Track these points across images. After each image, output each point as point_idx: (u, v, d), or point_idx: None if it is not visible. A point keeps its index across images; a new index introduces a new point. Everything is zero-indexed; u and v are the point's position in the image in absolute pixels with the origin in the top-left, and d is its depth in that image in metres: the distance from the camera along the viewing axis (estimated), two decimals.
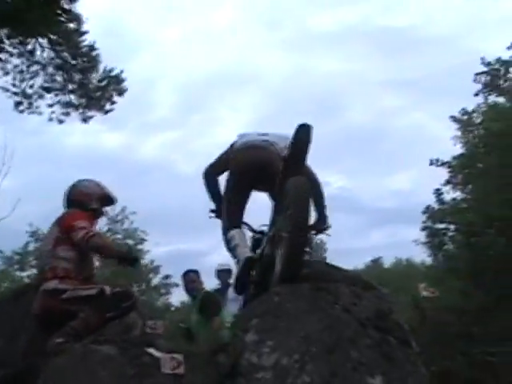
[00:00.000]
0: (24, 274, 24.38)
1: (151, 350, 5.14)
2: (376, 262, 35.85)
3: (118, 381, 4.82)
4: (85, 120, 11.76)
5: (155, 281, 28.73)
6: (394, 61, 57.71)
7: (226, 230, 6.22)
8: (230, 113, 52.35)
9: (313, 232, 6.36)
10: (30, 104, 11.50)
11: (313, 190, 5.75)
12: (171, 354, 5.02)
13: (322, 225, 6.35)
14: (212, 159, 6.68)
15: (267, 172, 5.95)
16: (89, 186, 6.45)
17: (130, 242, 27.24)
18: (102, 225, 26.28)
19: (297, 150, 5.58)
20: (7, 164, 21.58)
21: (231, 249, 6.05)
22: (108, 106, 11.72)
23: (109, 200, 6.58)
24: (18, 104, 11.46)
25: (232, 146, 6.48)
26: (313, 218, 6.12)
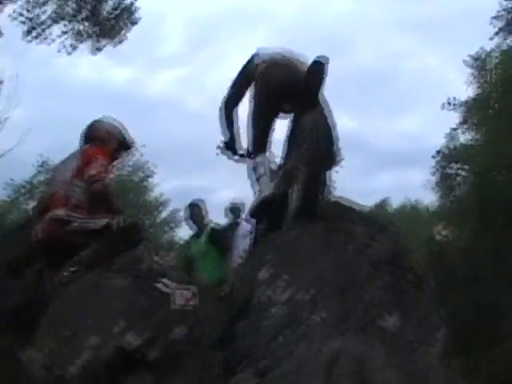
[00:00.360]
0: (32, 205, 24.40)
1: (165, 281, 5.17)
2: (382, 204, 35.70)
3: (132, 311, 4.87)
4: (98, 49, 11.54)
5: (163, 215, 28.73)
6: (405, 1, 56.44)
7: (252, 151, 5.99)
8: (238, 50, 51.59)
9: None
10: (42, 31, 11.23)
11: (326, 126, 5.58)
12: (185, 286, 5.05)
13: (333, 159, 6.17)
14: (227, 89, 6.31)
15: (299, 89, 5.62)
16: (113, 125, 6.43)
17: (139, 174, 27.24)
18: None
19: (312, 85, 5.49)
20: (17, 95, 21.64)
21: (256, 176, 5.84)
22: (120, 37, 11.48)
23: (126, 145, 6.55)
24: (28, 32, 11.17)
25: (249, 62, 6.16)
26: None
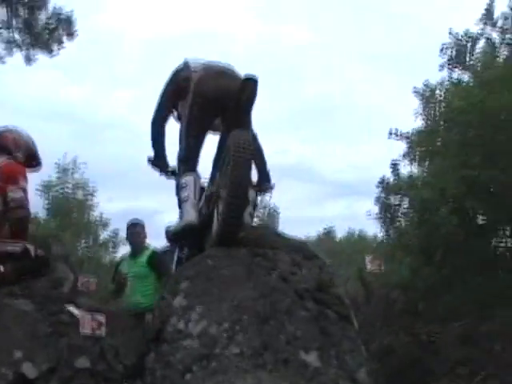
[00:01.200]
0: None
1: (71, 308, 4.77)
2: (328, 233, 35.74)
3: (31, 339, 4.45)
4: (29, 60, 11.10)
5: (103, 236, 28.15)
6: (360, 33, 57.29)
7: (180, 169, 5.69)
8: None
9: (256, 190, 5.73)
10: None
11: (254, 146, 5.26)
12: (92, 313, 4.64)
13: (264, 183, 5.85)
14: (156, 103, 5.98)
15: (231, 103, 5.34)
16: (23, 136, 5.86)
17: (81, 192, 26.69)
18: (51, 174, 25.73)
19: (242, 102, 5.23)
20: None
21: (181, 198, 5.51)
22: (56, 49, 11.06)
23: (34, 160, 5.94)
24: None
25: (179, 71, 5.88)
26: (255, 176, 5.66)
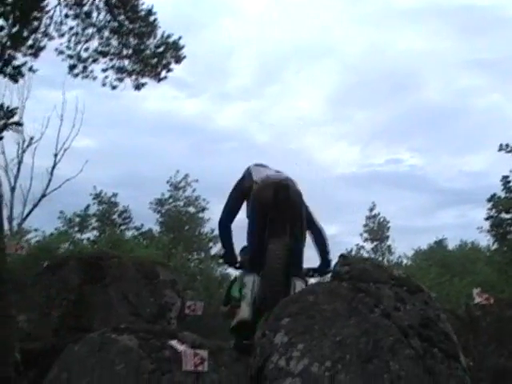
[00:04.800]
0: (84, 235, 24.71)
1: (173, 343, 4.80)
2: (440, 243, 34.87)
3: (135, 375, 4.50)
4: (138, 87, 11.41)
5: (214, 250, 28.51)
6: (473, 41, 55.52)
7: (245, 265, 6.33)
8: (305, 84, 51.34)
9: (315, 274, 6.47)
10: (85, 68, 11.19)
11: (316, 236, 6.32)
12: (194, 350, 4.65)
13: (324, 268, 6.40)
14: (224, 206, 6.65)
15: (283, 215, 5.93)
16: None
17: (191, 209, 27.14)
18: (164, 191, 26.37)
19: (279, 212, 5.86)
20: (77, 126, 21.97)
21: (241, 294, 6.05)
22: (164, 74, 11.34)
23: None
24: (72, 67, 11.16)
25: (243, 179, 6.48)
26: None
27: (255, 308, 5.76)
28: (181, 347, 4.72)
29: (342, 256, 5.27)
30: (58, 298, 7.44)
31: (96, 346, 4.71)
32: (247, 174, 6.46)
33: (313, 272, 6.42)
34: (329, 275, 6.02)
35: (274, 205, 5.92)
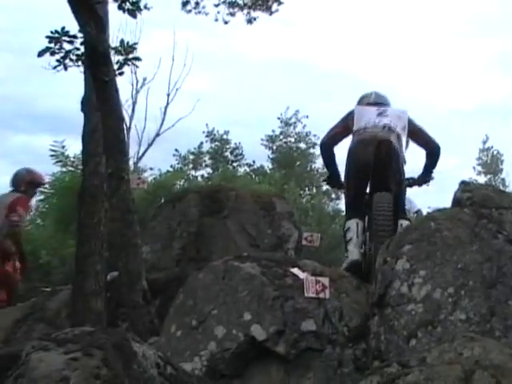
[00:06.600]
0: (198, 173, 25.21)
1: (295, 271, 4.87)
2: None
3: (259, 302, 4.61)
4: (250, 21, 11.39)
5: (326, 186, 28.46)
6: None
7: (346, 212, 6.40)
8: None
9: (414, 184, 6.51)
10: (197, 4, 11.26)
11: (431, 150, 6.42)
12: (316, 277, 4.72)
13: (423, 179, 6.50)
14: (328, 129, 6.65)
15: (385, 172, 5.95)
16: (33, 175, 8.36)
17: (302, 145, 27.14)
18: (274, 127, 26.44)
19: (380, 168, 5.85)
20: (188, 66, 22.22)
21: (345, 241, 6.05)
22: (275, 7, 11.26)
23: (39, 185, 8.75)
24: (184, 4, 11.26)
25: (351, 113, 6.41)
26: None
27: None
28: (302, 274, 4.79)
29: (463, 182, 5.13)
30: (179, 230, 7.65)
31: (220, 273, 4.84)
32: (351, 117, 6.39)
33: (412, 182, 6.46)
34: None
35: (374, 164, 5.89)
